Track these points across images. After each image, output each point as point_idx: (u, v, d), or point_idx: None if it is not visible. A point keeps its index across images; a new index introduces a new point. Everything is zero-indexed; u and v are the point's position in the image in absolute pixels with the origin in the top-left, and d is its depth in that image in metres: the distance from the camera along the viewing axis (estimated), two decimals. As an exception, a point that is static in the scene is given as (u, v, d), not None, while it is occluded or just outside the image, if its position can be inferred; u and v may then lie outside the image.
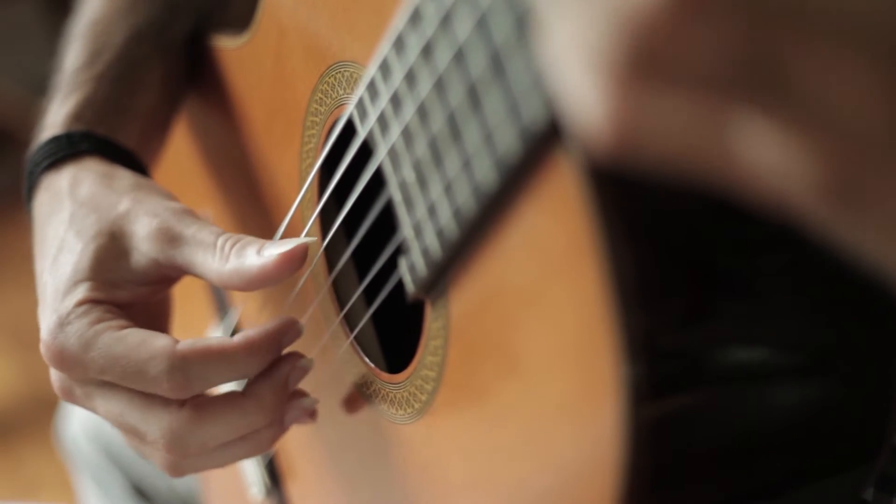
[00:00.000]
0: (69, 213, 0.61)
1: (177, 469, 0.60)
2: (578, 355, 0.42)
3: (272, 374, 0.58)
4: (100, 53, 0.70)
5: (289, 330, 0.58)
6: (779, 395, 0.46)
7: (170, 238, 0.58)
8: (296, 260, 0.55)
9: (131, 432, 0.59)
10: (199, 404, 0.57)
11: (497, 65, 0.39)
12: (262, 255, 0.56)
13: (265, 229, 0.69)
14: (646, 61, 0.29)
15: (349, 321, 0.63)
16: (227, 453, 0.59)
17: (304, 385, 0.69)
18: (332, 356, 0.64)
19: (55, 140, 0.65)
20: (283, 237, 0.65)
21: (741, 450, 0.46)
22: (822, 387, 0.48)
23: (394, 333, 0.63)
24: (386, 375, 0.60)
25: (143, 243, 0.59)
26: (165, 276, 0.60)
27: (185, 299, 0.70)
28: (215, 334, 0.79)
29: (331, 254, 0.63)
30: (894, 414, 0.49)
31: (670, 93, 0.30)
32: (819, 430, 0.48)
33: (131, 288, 0.59)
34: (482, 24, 0.39)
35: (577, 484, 0.45)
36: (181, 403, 0.57)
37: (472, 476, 0.54)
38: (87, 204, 0.61)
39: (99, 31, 0.71)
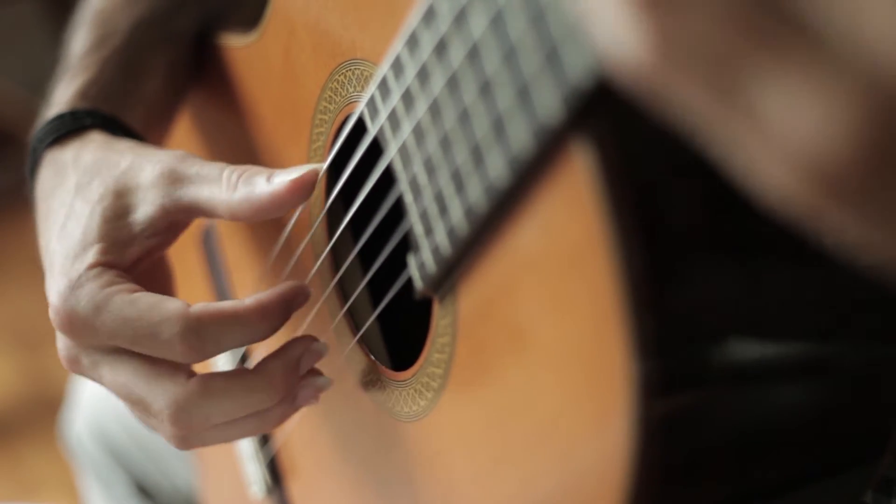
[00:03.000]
0: (74, 182, 0.61)
1: (184, 442, 0.59)
2: (590, 351, 0.43)
3: (284, 353, 0.58)
4: (106, 38, 0.70)
5: (298, 293, 0.57)
6: (787, 394, 0.46)
7: (174, 179, 0.58)
8: (307, 186, 0.55)
9: (137, 403, 0.58)
10: (207, 378, 0.57)
11: (511, 61, 0.40)
12: (271, 182, 0.55)
13: (271, 228, 0.69)
14: None
15: (355, 319, 0.63)
16: (234, 429, 0.59)
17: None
18: (336, 354, 0.65)
19: (60, 117, 0.66)
20: (290, 235, 0.66)
21: (750, 447, 0.46)
22: (829, 386, 0.48)
23: (398, 331, 0.63)
24: (391, 373, 0.60)
25: (149, 192, 0.59)
26: (173, 222, 0.60)
27: (183, 291, 0.70)
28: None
29: (337, 252, 0.63)
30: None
31: (694, 13, 0.29)
32: (825, 430, 0.49)
33: (141, 242, 0.59)
34: (497, 20, 0.39)
35: (585, 480, 0.46)
36: (189, 375, 0.57)
37: (478, 472, 0.54)
38: (91, 170, 0.61)
39: (105, 17, 0.72)
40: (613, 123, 0.40)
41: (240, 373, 0.58)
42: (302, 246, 0.65)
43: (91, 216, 0.59)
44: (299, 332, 0.67)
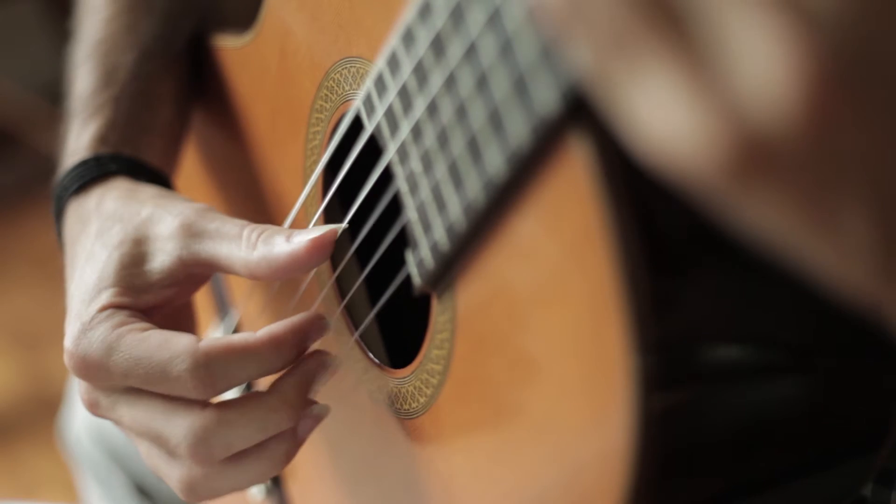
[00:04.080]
0: (96, 228, 0.62)
1: (194, 489, 0.58)
2: (589, 345, 0.43)
3: (297, 371, 0.57)
4: (112, 74, 0.70)
5: (314, 325, 0.57)
6: (785, 386, 0.46)
7: (192, 233, 0.58)
8: (326, 246, 0.55)
9: (155, 439, 0.58)
10: (223, 404, 0.57)
11: (508, 54, 0.40)
12: (291, 241, 0.55)
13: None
14: None
15: (353, 317, 0.63)
16: (244, 470, 0.58)
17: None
18: (335, 352, 0.64)
19: (83, 164, 0.66)
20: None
21: (749, 439, 0.46)
22: (824, 380, 0.48)
23: (397, 328, 0.63)
24: (390, 370, 0.60)
25: (167, 242, 0.59)
26: (191, 274, 0.60)
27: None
28: (216, 335, 0.79)
29: (334, 251, 0.63)
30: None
31: None
32: (824, 421, 0.49)
33: (157, 291, 0.59)
34: (493, 14, 0.39)
35: (584, 475, 0.46)
36: (204, 406, 0.56)
37: (478, 466, 0.54)
38: (112, 216, 0.61)
39: (106, 50, 0.71)
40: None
41: (255, 396, 0.57)
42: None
43: (108, 260, 0.59)
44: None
